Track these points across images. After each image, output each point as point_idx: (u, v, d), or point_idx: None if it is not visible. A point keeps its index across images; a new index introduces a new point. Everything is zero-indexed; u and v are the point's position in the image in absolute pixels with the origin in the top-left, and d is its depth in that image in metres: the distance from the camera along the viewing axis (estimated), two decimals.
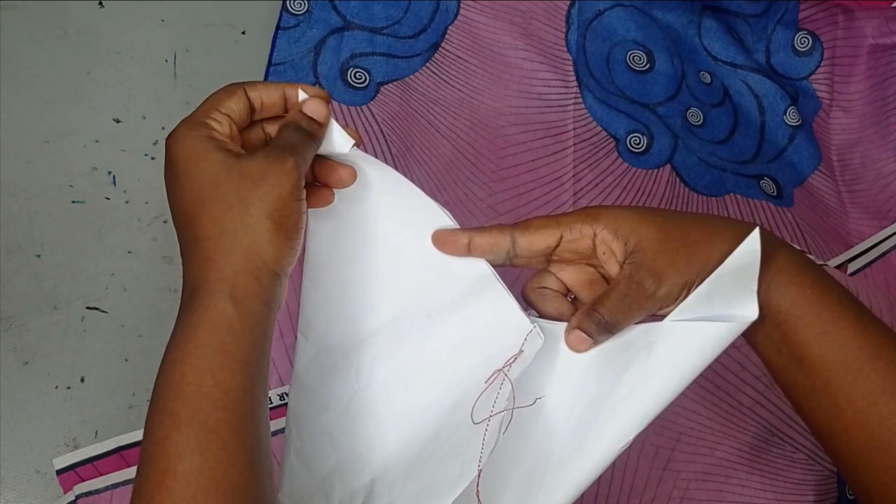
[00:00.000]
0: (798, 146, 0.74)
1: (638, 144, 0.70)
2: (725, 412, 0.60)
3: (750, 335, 0.41)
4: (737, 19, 0.76)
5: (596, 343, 0.42)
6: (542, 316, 0.44)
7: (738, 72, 0.75)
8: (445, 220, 0.44)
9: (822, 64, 0.76)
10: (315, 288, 0.47)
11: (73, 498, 0.54)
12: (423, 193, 0.44)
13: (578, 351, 0.42)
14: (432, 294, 0.44)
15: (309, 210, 0.43)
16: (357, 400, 0.45)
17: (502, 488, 0.43)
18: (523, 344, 0.42)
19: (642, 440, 0.59)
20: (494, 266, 0.44)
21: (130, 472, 0.55)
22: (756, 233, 0.38)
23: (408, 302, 0.45)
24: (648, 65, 0.72)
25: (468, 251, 0.42)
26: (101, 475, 0.55)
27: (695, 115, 0.74)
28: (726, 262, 0.38)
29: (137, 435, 0.56)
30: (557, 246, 0.42)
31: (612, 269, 0.42)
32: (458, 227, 0.43)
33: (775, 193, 0.73)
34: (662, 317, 0.41)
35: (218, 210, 0.37)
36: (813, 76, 0.77)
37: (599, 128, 0.70)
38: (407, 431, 0.44)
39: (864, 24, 0.74)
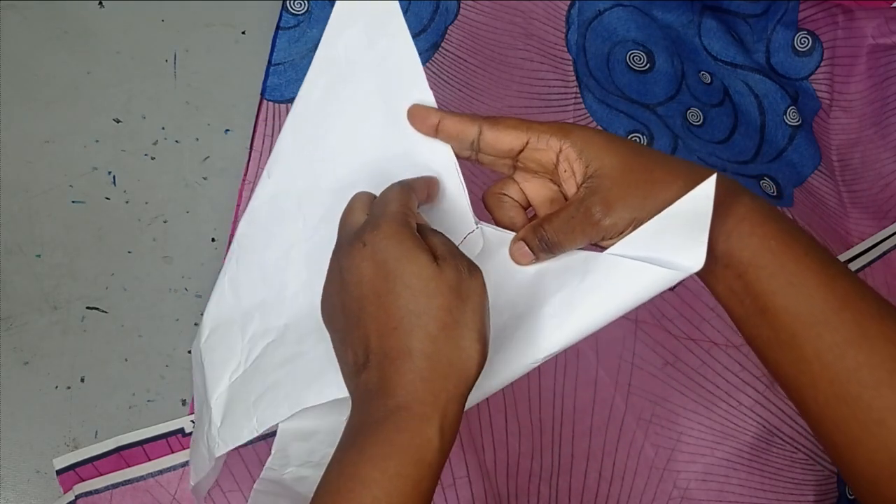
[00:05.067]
0: (798, 146, 0.74)
1: None
2: (725, 412, 0.60)
3: (712, 285, 0.41)
4: (737, 19, 0.76)
5: (537, 259, 0.41)
6: (496, 222, 0.44)
7: (738, 72, 0.75)
8: (429, 98, 0.44)
9: (822, 64, 0.76)
10: (293, 133, 0.48)
11: (73, 498, 0.54)
12: (420, 68, 0.44)
13: (519, 263, 0.42)
14: (395, 168, 0.44)
15: (313, 61, 0.45)
16: (298, 248, 0.47)
17: None
18: (461, 242, 0.42)
19: (642, 440, 0.59)
20: (460, 158, 0.44)
21: (130, 473, 0.55)
22: (712, 178, 0.37)
23: (369, 169, 0.46)
24: (648, 65, 0.72)
25: (435, 132, 0.42)
26: (101, 475, 0.55)
27: (695, 115, 0.74)
28: (677, 203, 0.37)
29: (137, 435, 0.56)
30: (522, 151, 0.42)
31: (570, 188, 0.41)
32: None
33: (775, 193, 0.73)
34: (604, 248, 0.40)
35: (433, 326, 0.35)
36: (813, 76, 0.76)
37: (600, 128, 0.70)
38: None
39: (864, 24, 0.74)
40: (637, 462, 0.59)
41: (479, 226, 0.43)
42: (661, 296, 0.63)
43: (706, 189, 0.37)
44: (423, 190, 0.42)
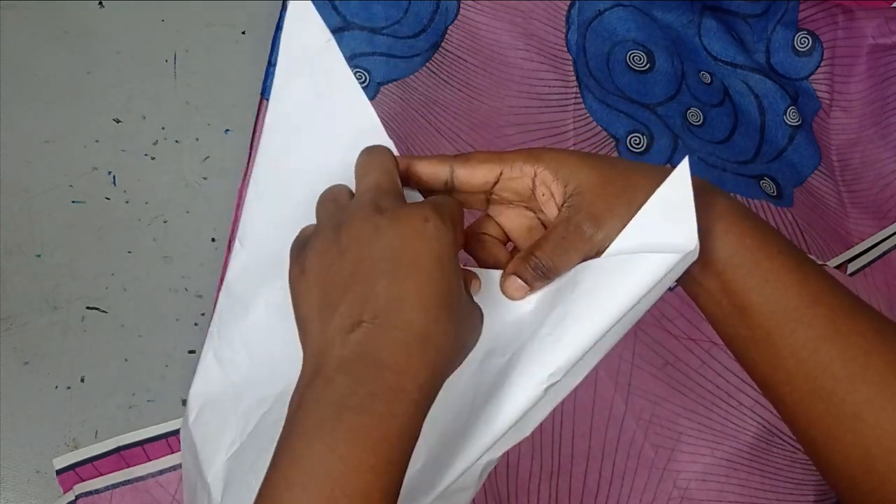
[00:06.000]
0: (798, 146, 0.74)
1: (638, 144, 0.70)
2: (725, 412, 0.60)
3: (690, 287, 0.41)
4: (737, 19, 0.76)
5: (532, 290, 0.40)
6: (479, 264, 0.43)
7: (738, 72, 0.75)
8: (384, 138, 0.43)
9: (822, 64, 0.76)
10: (258, 197, 0.47)
11: (73, 498, 0.54)
12: (369, 108, 0.44)
13: (514, 298, 0.40)
14: None
15: (267, 117, 0.45)
16: (277, 313, 0.45)
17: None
18: None
19: (642, 440, 0.59)
20: None
21: (130, 473, 0.55)
22: (685, 161, 0.37)
23: None
24: (648, 65, 0.72)
25: (405, 176, 0.42)
26: (101, 475, 0.55)
27: (695, 115, 0.74)
28: (657, 192, 0.37)
29: (137, 435, 0.56)
30: (496, 182, 0.41)
31: (551, 212, 0.41)
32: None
33: (775, 193, 0.73)
34: None
35: (454, 318, 0.36)
36: (813, 76, 0.76)
37: (599, 128, 0.70)
38: None
39: (864, 24, 0.74)
40: (637, 462, 0.59)
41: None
42: (661, 296, 0.63)
43: (682, 172, 0.37)
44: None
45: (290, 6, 0.48)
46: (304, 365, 0.36)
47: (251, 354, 0.46)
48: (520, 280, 0.40)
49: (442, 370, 0.35)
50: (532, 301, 0.41)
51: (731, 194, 0.42)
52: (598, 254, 0.40)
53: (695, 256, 0.37)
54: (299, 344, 0.38)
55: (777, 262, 0.38)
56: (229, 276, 0.48)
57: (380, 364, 0.34)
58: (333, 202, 0.39)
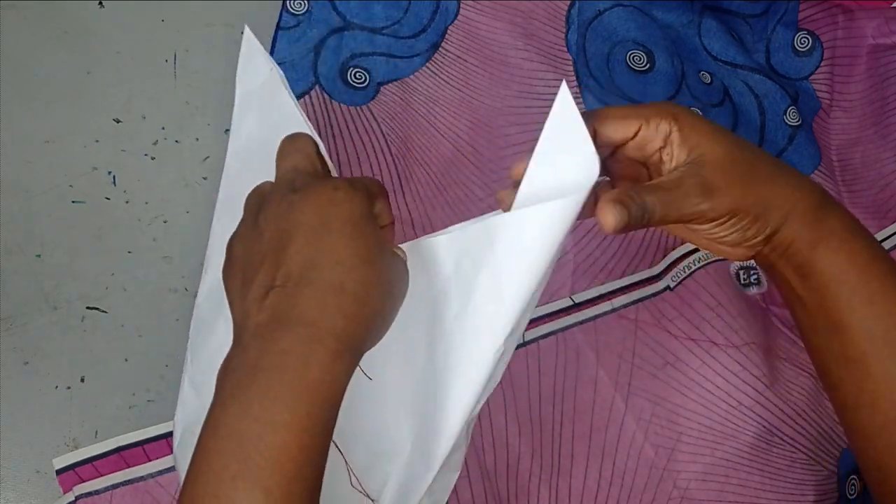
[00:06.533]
0: (798, 146, 0.74)
1: None
2: (725, 412, 0.60)
3: (785, 293, 0.40)
4: (737, 19, 0.76)
5: (626, 227, 0.37)
6: (616, 178, 0.41)
7: (738, 72, 0.75)
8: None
9: (822, 64, 0.76)
10: (220, 223, 0.48)
11: (73, 498, 0.54)
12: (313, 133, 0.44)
13: (608, 226, 0.37)
14: None
15: (228, 154, 0.46)
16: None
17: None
18: None
19: (642, 440, 0.59)
20: None
21: (130, 473, 0.55)
22: (564, 88, 0.35)
23: None
24: (648, 65, 0.72)
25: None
26: (101, 475, 0.55)
27: None
28: (545, 127, 0.36)
29: (137, 435, 0.56)
30: (632, 138, 0.39)
31: (665, 169, 0.39)
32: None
33: None
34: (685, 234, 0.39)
35: (372, 275, 0.36)
36: (813, 76, 0.77)
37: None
38: None
39: (864, 24, 0.74)
40: (637, 462, 0.59)
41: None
42: (661, 296, 0.63)
43: (564, 99, 0.35)
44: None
45: (243, 41, 0.50)
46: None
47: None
48: (625, 212, 0.36)
49: (363, 320, 0.35)
50: (446, 268, 0.40)
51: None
52: (691, 222, 0.38)
53: (595, 176, 0.35)
54: None
55: (886, 284, 0.38)
56: (198, 298, 0.49)
57: (292, 321, 0.34)
58: (257, 195, 0.40)
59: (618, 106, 0.40)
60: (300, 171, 0.39)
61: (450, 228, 0.40)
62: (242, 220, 0.39)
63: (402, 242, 0.41)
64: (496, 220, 0.38)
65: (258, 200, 0.39)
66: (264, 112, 0.48)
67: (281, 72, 0.48)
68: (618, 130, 0.39)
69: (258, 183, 0.42)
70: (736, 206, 0.38)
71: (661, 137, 0.39)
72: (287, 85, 0.47)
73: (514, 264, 0.37)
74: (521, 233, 0.37)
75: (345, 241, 0.35)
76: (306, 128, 0.44)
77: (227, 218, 0.49)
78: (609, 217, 0.36)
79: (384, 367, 0.41)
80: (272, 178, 0.41)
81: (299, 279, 0.35)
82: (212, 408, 0.34)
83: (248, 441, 0.32)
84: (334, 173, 0.42)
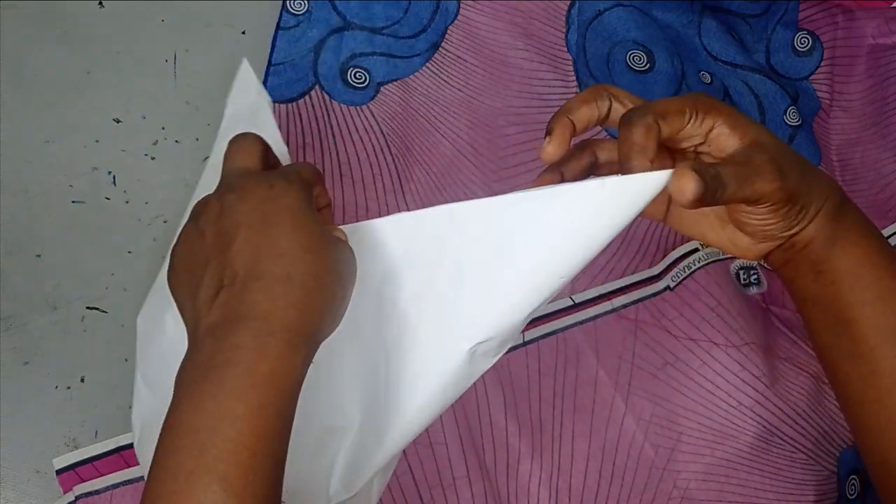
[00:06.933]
0: (798, 146, 0.74)
1: None
2: (725, 412, 0.60)
3: (797, 290, 0.40)
4: (737, 19, 0.76)
5: (702, 200, 0.34)
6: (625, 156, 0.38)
7: (738, 72, 0.75)
8: None
9: (822, 64, 0.76)
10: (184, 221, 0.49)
11: (73, 498, 0.54)
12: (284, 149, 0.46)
13: (682, 195, 0.34)
14: None
15: (205, 170, 0.48)
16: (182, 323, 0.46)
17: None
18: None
19: (642, 440, 0.59)
20: None
21: (130, 473, 0.55)
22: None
23: None
24: (648, 65, 0.72)
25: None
26: (102, 475, 0.55)
27: None
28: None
29: None
30: (680, 130, 0.38)
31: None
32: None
33: None
34: (750, 225, 0.39)
35: (318, 264, 0.36)
36: (813, 76, 0.77)
37: (600, 128, 0.70)
38: None
39: (864, 24, 0.74)
40: (637, 462, 0.59)
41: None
42: (661, 296, 0.63)
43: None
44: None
45: (240, 70, 0.51)
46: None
47: (170, 367, 0.46)
48: (702, 182, 0.34)
49: (315, 309, 0.35)
50: (399, 247, 0.40)
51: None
52: (759, 202, 0.37)
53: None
54: None
55: None
56: (149, 294, 0.50)
57: (243, 317, 0.34)
58: (200, 203, 0.40)
59: (669, 98, 0.38)
60: (241, 171, 0.39)
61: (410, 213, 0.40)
62: (184, 226, 0.39)
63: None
64: (463, 206, 0.38)
65: (197, 208, 0.39)
66: (248, 127, 0.49)
67: (269, 98, 0.50)
68: (675, 125, 0.38)
69: None
70: (798, 190, 0.37)
71: (703, 133, 0.38)
72: (273, 109, 0.49)
73: (479, 253, 0.37)
74: (491, 223, 0.37)
75: (287, 234, 0.36)
76: (279, 138, 0.45)
77: None
78: (690, 184, 0.34)
79: (331, 343, 0.41)
80: None
81: (246, 276, 0.35)
82: (169, 409, 0.34)
83: (203, 435, 0.32)
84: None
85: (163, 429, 0.34)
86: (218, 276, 0.36)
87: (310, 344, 0.35)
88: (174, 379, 0.36)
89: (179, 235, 0.39)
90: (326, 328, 0.37)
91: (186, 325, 0.37)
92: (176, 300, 0.38)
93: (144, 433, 0.49)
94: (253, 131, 0.43)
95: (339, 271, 0.37)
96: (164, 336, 0.48)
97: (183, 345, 0.37)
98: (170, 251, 0.40)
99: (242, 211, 0.36)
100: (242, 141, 0.41)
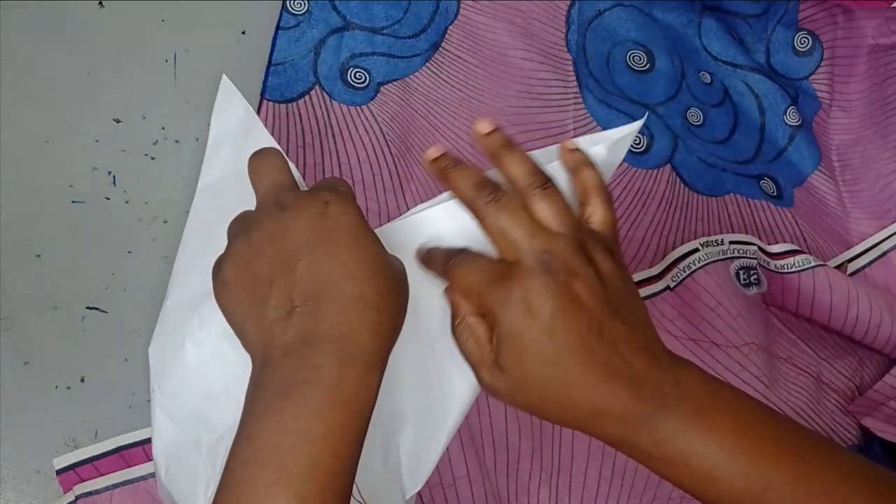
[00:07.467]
0: (798, 146, 0.74)
1: (638, 144, 0.70)
2: None
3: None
4: (737, 19, 0.76)
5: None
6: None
7: (738, 72, 0.75)
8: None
9: (822, 64, 0.76)
10: (184, 244, 0.49)
11: (73, 498, 0.54)
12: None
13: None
14: None
15: (196, 192, 0.48)
16: (204, 348, 0.46)
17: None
18: None
19: None
20: None
21: (130, 473, 0.55)
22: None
23: None
24: (648, 65, 0.72)
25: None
26: (102, 475, 0.55)
27: (695, 115, 0.74)
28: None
29: (137, 435, 0.56)
30: None
31: None
32: None
33: (775, 193, 0.73)
34: None
35: (386, 284, 0.37)
36: (813, 76, 0.77)
37: (599, 128, 0.70)
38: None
39: (864, 24, 0.74)
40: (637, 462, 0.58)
41: None
42: (661, 296, 0.63)
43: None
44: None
45: (220, 86, 0.51)
46: (252, 364, 0.37)
47: (194, 396, 0.46)
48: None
49: (385, 330, 0.36)
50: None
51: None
52: None
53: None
54: (237, 368, 0.39)
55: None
56: (160, 321, 0.49)
57: (322, 338, 0.34)
58: (241, 220, 0.40)
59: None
60: (281, 188, 0.39)
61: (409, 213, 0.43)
62: (229, 244, 0.39)
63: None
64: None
65: (243, 225, 0.39)
66: (239, 143, 0.49)
67: (255, 115, 0.50)
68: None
69: (232, 211, 0.42)
70: None
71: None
72: (262, 124, 0.49)
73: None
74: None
75: (354, 254, 0.36)
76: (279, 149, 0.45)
77: (189, 250, 0.50)
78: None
79: None
80: (251, 206, 0.41)
81: (319, 297, 0.35)
82: (244, 423, 0.35)
83: (283, 451, 0.32)
84: (302, 186, 0.42)
85: (238, 440, 0.34)
86: (286, 297, 0.36)
87: (382, 365, 0.36)
88: (195, 407, 0.37)
89: (227, 253, 0.38)
90: (392, 347, 0.37)
91: (247, 342, 0.37)
92: (230, 317, 0.38)
93: (171, 465, 0.48)
94: (250, 146, 0.43)
95: (402, 292, 0.38)
96: (184, 366, 0.47)
97: (210, 370, 0.37)
98: (212, 269, 0.39)
99: (302, 229, 0.36)
100: (265, 157, 0.41)
